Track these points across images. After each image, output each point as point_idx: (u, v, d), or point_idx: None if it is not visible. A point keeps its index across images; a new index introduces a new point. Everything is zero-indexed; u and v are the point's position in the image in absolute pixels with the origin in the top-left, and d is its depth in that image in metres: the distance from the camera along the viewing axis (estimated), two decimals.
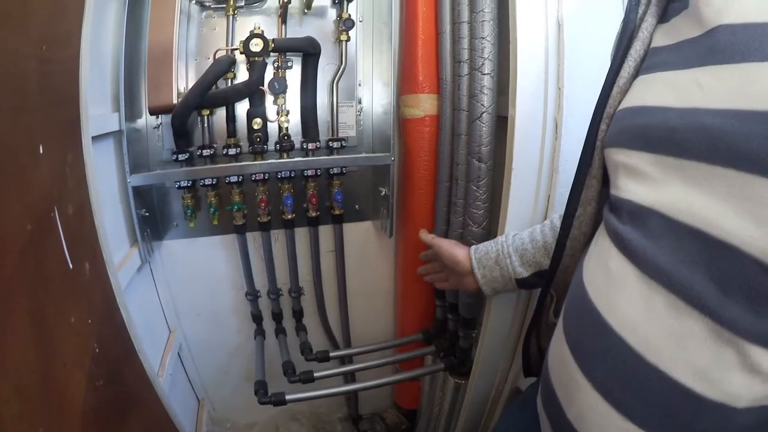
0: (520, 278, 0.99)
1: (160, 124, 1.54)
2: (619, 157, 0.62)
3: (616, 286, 0.56)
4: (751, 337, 0.44)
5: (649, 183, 0.55)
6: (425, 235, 1.22)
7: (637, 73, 0.68)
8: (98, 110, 1.26)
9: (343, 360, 1.80)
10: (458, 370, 1.57)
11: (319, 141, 1.54)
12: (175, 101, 1.42)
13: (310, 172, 1.56)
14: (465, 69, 1.33)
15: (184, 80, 1.53)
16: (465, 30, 1.33)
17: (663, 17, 0.68)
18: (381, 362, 1.66)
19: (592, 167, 0.73)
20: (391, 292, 1.89)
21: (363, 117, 1.65)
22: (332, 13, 1.59)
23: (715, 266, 0.46)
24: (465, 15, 1.33)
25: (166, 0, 1.42)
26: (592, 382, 0.56)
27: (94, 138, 1.12)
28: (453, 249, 1.14)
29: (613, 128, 0.67)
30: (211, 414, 1.96)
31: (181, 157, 1.47)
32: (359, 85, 1.64)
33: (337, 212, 1.64)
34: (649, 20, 0.68)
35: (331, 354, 1.67)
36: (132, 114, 1.44)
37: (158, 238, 1.61)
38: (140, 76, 1.46)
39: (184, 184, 1.52)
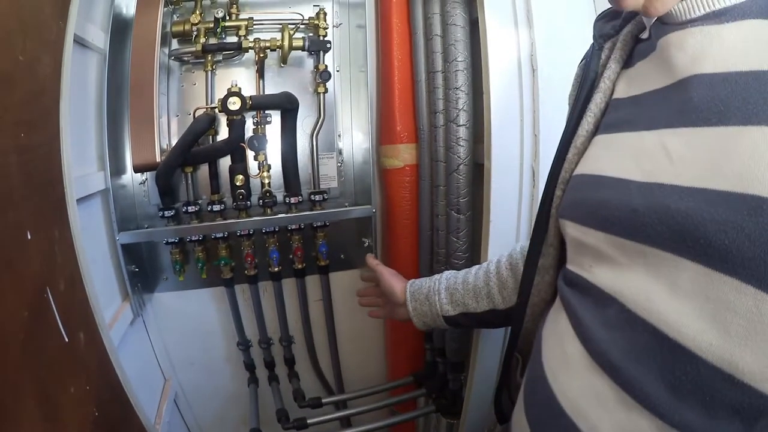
0: (446, 316, 0.98)
1: (146, 179, 1.56)
2: (574, 233, 0.59)
3: (570, 372, 0.54)
4: None
5: (611, 266, 0.52)
6: (371, 260, 1.21)
7: (596, 129, 0.63)
8: (83, 171, 1.28)
9: (337, 405, 1.80)
10: (450, 411, 1.57)
11: (301, 195, 1.55)
12: (158, 159, 1.43)
13: (294, 226, 1.57)
14: (441, 120, 1.35)
15: (166, 137, 1.56)
16: (440, 80, 1.35)
17: (628, 61, 0.63)
18: (374, 406, 1.66)
19: (548, 235, 0.69)
20: (380, 336, 1.87)
21: (344, 167, 1.66)
22: (310, 63, 1.61)
23: (668, 369, 0.43)
24: (439, 64, 1.35)
25: (145, 58, 1.43)
26: None
27: (80, 199, 1.14)
28: (392, 279, 1.12)
29: (568, 198, 0.63)
30: None
31: (167, 213, 1.49)
32: (339, 136, 1.65)
33: (322, 263, 1.65)
34: (613, 66, 0.63)
35: (324, 400, 1.67)
36: (117, 170, 1.46)
37: (149, 290, 1.63)
38: (123, 131, 1.49)
39: (171, 240, 1.54)
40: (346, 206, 1.62)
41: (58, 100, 1.06)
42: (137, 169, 1.47)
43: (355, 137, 1.66)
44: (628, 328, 0.48)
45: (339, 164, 1.65)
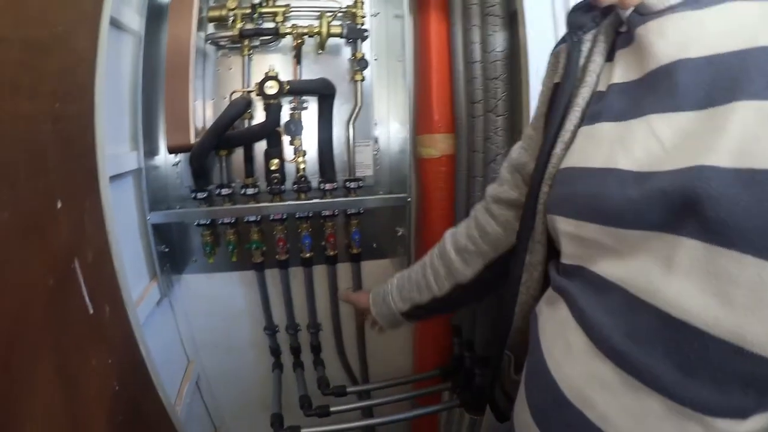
0: (402, 312, 1.01)
1: (179, 161, 1.57)
2: (569, 228, 0.58)
3: (574, 361, 0.54)
4: (714, 412, 0.42)
5: (612, 256, 0.51)
6: (342, 297, 1.24)
7: (581, 121, 0.62)
8: (116, 150, 1.29)
9: (361, 395, 1.80)
10: (474, 407, 1.57)
11: (336, 181, 1.55)
12: (192, 141, 1.43)
13: (327, 212, 1.57)
14: (479, 110, 1.35)
15: (201, 120, 1.57)
16: (478, 70, 1.35)
17: (610, 54, 0.63)
18: (398, 398, 1.66)
19: (535, 231, 0.68)
20: (409, 328, 1.87)
21: (380, 156, 1.66)
22: (347, 52, 1.61)
23: (674, 347, 0.44)
24: (477, 55, 1.34)
25: (181, 39, 1.44)
26: None
27: (113, 177, 1.15)
28: (359, 297, 1.14)
29: (556, 193, 0.62)
30: None
31: (200, 195, 1.50)
32: (375, 124, 1.65)
33: (354, 251, 1.64)
34: (597, 60, 0.63)
35: (348, 389, 1.67)
36: (151, 151, 1.47)
37: (178, 272, 1.64)
38: (158, 113, 1.50)
39: (203, 221, 1.55)
40: (380, 194, 1.61)
41: (94, 74, 1.07)
42: (171, 151, 1.47)
43: (391, 126, 1.66)
44: (630, 312, 0.48)
45: (375, 152, 1.65)
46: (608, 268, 0.52)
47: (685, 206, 0.42)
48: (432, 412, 1.69)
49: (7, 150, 0.69)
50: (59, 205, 0.83)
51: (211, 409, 1.87)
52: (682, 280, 0.43)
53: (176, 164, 1.58)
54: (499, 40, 1.29)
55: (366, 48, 1.59)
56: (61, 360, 0.77)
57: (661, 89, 0.50)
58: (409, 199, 1.52)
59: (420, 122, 1.55)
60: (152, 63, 1.45)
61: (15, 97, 0.73)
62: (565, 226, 0.59)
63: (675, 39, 0.50)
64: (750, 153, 0.39)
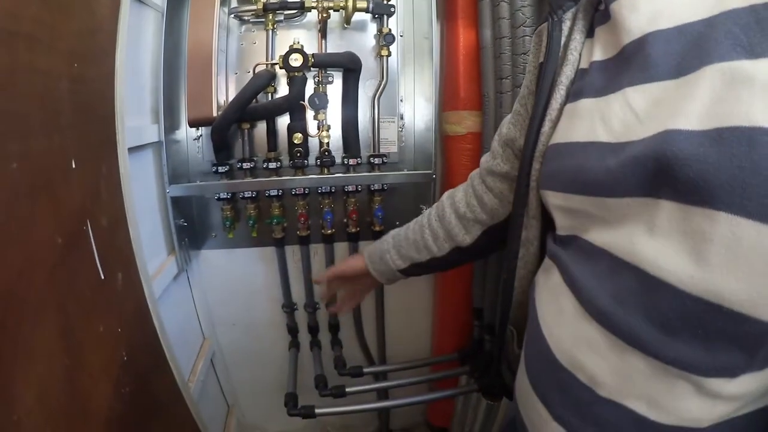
0: (400, 269, 1.02)
1: (201, 135, 1.56)
2: (559, 201, 0.60)
3: (564, 324, 0.56)
4: (703, 372, 0.43)
5: (600, 224, 0.53)
6: (321, 277, 1.19)
7: (567, 97, 0.64)
8: (136, 122, 1.29)
9: (377, 376, 1.79)
10: (492, 392, 1.55)
11: (360, 157, 1.53)
12: (214, 114, 1.42)
13: (350, 188, 1.55)
14: (507, 86, 1.33)
15: (223, 93, 1.55)
16: (506, 45, 1.33)
17: (590, 30, 0.64)
18: (415, 380, 1.64)
19: (529, 207, 0.70)
20: (429, 310, 1.86)
21: (405, 133, 1.64)
22: (372, 28, 1.58)
23: (654, 307, 0.45)
24: (506, 30, 1.32)
25: (204, 13, 1.43)
26: (552, 415, 0.57)
27: (132, 149, 1.15)
28: (350, 261, 1.15)
29: (546, 169, 0.64)
30: (240, 421, 1.98)
31: (221, 169, 1.49)
32: (401, 100, 1.62)
33: (377, 228, 1.62)
34: (577, 37, 0.64)
35: (365, 370, 1.67)
36: (172, 125, 1.47)
37: (196, 247, 1.63)
38: (180, 88, 1.49)
39: (223, 196, 1.53)
40: (405, 171, 1.59)
41: (115, 41, 1.06)
42: (192, 124, 1.47)
43: (417, 103, 1.63)
44: (615, 274, 0.49)
45: (400, 129, 1.63)
46: (597, 235, 0.54)
47: (658, 170, 0.43)
48: (448, 396, 1.68)
49: (19, 101, 0.68)
50: (73, 165, 0.82)
51: (224, 388, 1.88)
52: (661, 240, 0.44)
53: (197, 138, 1.57)
54: (528, 14, 1.27)
55: (392, 24, 1.56)
56: (65, 323, 0.75)
57: (635, 62, 0.51)
58: (434, 176, 1.50)
59: (446, 99, 1.53)
60: (175, 37, 1.45)
61: (31, 52, 0.72)
62: (554, 199, 0.61)
63: (646, 12, 0.51)
64: (716, 114, 0.40)
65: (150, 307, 1.13)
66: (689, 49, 0.45)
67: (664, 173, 0.43)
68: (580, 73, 0.63)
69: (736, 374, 0.43)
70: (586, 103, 0.58)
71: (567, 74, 0.64)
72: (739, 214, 0.38)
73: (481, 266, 1.50)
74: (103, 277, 0.89)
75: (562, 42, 0.65)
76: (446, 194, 0.99)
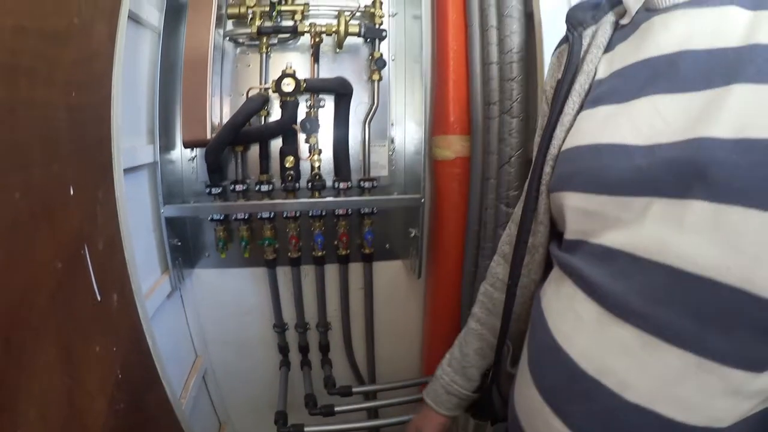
0: (476, 388, 0.93)
1: (195, 156, 1.59)
2: (577, 202, 0.61)
3: (586, 332, 0.56)
4: (732, 362, 0.45)
5: (616, 226, 0.54)
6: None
7: (581, 108, 0.66)
8: (132, 142, 1.31)
9: (367, 395, 1.80)
10: (480, 413, 1.55)
11: (351, 181, 1.55)
12: (209, 136, 1.44)
13: (341, 211, 1.57)
14: (495, 111, 1.34)
15: (218, 115, 1.58)
16: (494, 71, 1.35)
17: (608, 46, 0.67)
18: (404, 400, 1.65)
19: (538, 212, 0.71)
20: (418, 330, 1.87)
21: (395, 156, 1.66)
22: (365, 51, 1.61)
23: (690, 301, 0.47)
24: (494, 56, 1.34)
25: (200, 36, 1.45)
26: (571, 427, 0.56)
27: (128, 170, 1.17)
28: (419, 420, 1.03)
29: (562, 170, 0.65)
30: None
31: (214, 190, 1.51)
32: (392, 124, 1.65)
33: (367, 251, 1.65)
34: (594, 51, 0.67)
35: (354, 389, 1.67)
36: (167, 145, 1.49)
37: (190, 266, 1.65)
38: (175, 107, 1.51)
39: (217, 217, 1.56)
40: (395, 195, 1.61)
41: (111, 67, 1.08)
42: (187, 145, 1.49)
43: (407, 127, 1.66)
44: (641, 274, 0.51)
45: (390, 153, 1.65)
46: (612, 237, 0.55)
47: (692, 172, 0.47)
48: None
49: (21, 133, 0.70)
50: (71, 191, 0.84)
51: (216, 405, 1.88)
52: (693, 236, 0.47)
53: (192, 159, 1.59)
54: (516, 41, 1.29)
55: (384, 48, 1.59)
56: (64, 344, 0.77)
57: (664, 74, 0.54)
58: (422, 201, 1.52)
59: (436, 123, 1.55)
60: (170, 58, 1.47)
61: (31, 84, 0.74)
62: (572, 201, 0.61)
63: (678, 32, 0.55)
64: (746, 125, 0.45)
65: (143, 326, 1.14)
66: (718, 68, 0.50)
67: (698, 175, 0.46)
68: (596, 84, 0.66)
69: (764, 368, 0.45)
70: (607, 109, 0.60)
71: (581, 83, 0.67)
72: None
73: (468, 287, 1.51)
74: (99, 299, 0.90)
75: (581, 56, 0.69)
76: (481, 289, 0.92)
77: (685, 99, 0.51)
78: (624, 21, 0.66)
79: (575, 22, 0.72)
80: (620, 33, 0.66)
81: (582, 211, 0.60)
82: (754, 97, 0.46)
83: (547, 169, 0.68)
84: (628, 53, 0.61)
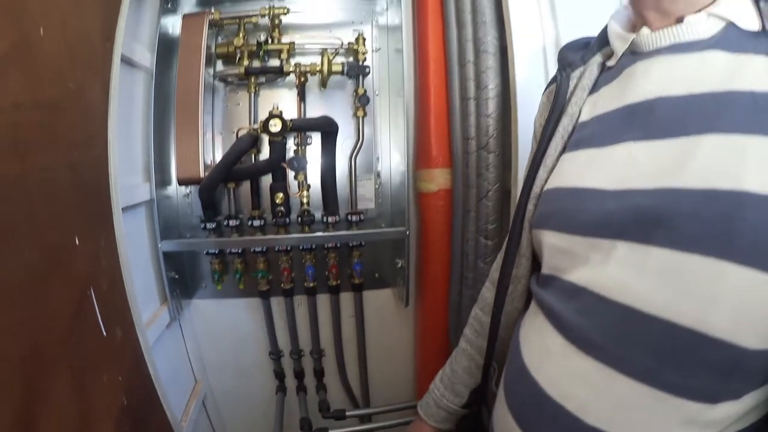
0: (464, 404, 0.96)
1: (190, 192, 1.65)
2: (552, 240, 0.64)
3: (553, 361, 0.60)
4: (686, 395, 0.48)
5: (585, 264, 0.58)
6: None
7: (564, 149, 0.69)
8: (129, 181, 1.37)
9: (362, 418, 1.83)
10: None
11: (339, 215, 1.60)
12: (202, 174, 1.51)
13: (330, 244, 1.63)
14: (473, 146, 1.39)
15: (210, 153, 1.64)
16: (472, 107, 1.39)
17: (593, 88, 0.69)
18: (397, 422, 1.68)
19: (521, 246, 0.73)
20: (410, 354, 1.92)
21: (381, 189, 1.71)
22: (350, 86, 1.67)
23: (648, 339, 0.50)
24: (471, 91, 1.39)
25: (190, 79, 1.51)
26: None
27: (126, 208, 1.23)
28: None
29: (542, 209, 0.68)
30: None
31: (209, 225, 1.58)
32: (377, 158, 1.70)
33: (356, 281, 1.69)
34: (579, 93, 0.69)
35: (348, 413, 1.71)
36: (163, 181, 1.55)
37: (188, 297, 1.71)
38: (169, 144, 1.58)
39: (212, 250, 1.62)
40: (382, 227, 1.66)
41: (107, 119, 1.15)
42: (181, 183, 1.55)
43: (393, 160, 1.71)
44: (604, 312, 0.54)
45: (377, 186, 1.70)
46: (580, 275, 0.58)
47: (655, 220, 0.50)
48: None
49: (30, 198, 0.80)
50: (77, 242, 0.94)
51: (216, 428, 1.92)
52: (653, 280, 0.50)
53: (187, 195, 1.66)
54: (491, 77, 1.33)
55: (368, 82, 1.65)
56: (77, 375, 0.88)
57: (641, 120, 0.57)
58: (407, 233, 1.57)
59: (419, 157, 1.60)
60: (163, 95, 1.53)
61: (34, 153, 0.82)
62: (548, 238, 0.65)
63: (658, 78, 0.57)
64: (712, 176, 0.47)
65: (145, 356, 1.22)
66: (693, 115, 0.51)
67: (660, 223, 0.49)
68: (579, 126, 0.68)
69: (717, 400, 0.48)
70: (587, 153, 0.63)
71: (564, 125, 0.69)
72: (724, 258, 0.45)
73: (455, 314, 1.55)
74: (105, 334, 1.01)
75: (567, 98, 0.71)
76: (473, 312, 0.97)
77: (659, 146, 0.53)
78: (610, 63, 0.68)
79: (565, 63, 0.75)
80: (606, 74, 0.68)
81: (556, 249, 0.63)
82: (724, 147, 0.48)
83: (530, 206, 0.70)
84: (611, 98, 0.63)
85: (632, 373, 0.51)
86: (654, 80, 0.57)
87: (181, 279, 1.63)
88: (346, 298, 1.77)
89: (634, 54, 0.62)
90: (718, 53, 0.54)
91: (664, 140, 0.53)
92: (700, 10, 0.56)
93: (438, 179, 1.52)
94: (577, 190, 0.61)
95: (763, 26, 0.53)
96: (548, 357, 0.61)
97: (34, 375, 0.76)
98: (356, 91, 1.62)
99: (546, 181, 0.69)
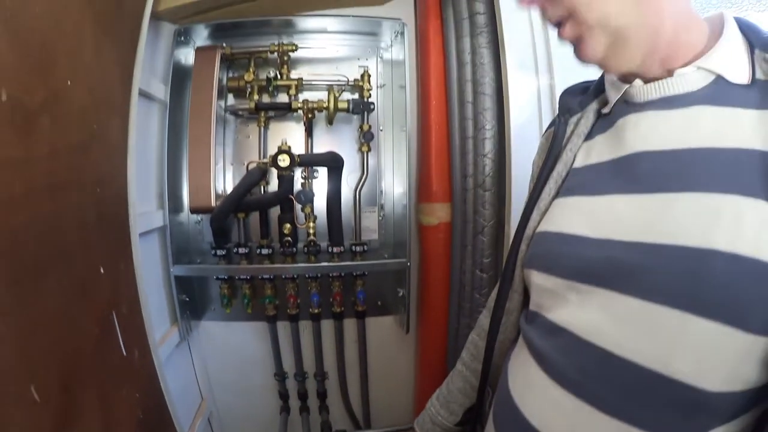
0: (458, 422, 1.00)
1: (201, 219, 1.74)
2: (538, 279, 0.67)
3: (535, 392, 0.63)
4: (653, 429, 0.51)
5: (564, 305, 0.61)
6: None
7: (557, 193, 0.71)
8: (144, 208, 1.46)
9: None
10: None
11: (344, 245, 1.67)
12: (213, 204, 1.58)
13: (335, 273, 1.70)
14: (470, 183, 1.46)
15: (221, 183, 1.73)
16: (470, 145, 1.46)
17: (588, 134, 0.71)
18: None
19: (514, 282, 0.76)
20: (411, 378, 1.98)
21: (385, 221, 1.78)
22: (356, 121, 1.75)
23: (617, 378, 0.53)
24: (470, 131, 1.46)
25: (203, 111, 1.59)
26: None
27: (141, 234, 1.32)
28: None
29: (533, 251, 0.71)
30: None
31: (219, 252, 1.65)
32: (381, 192, 1.78)
33: (360, 308, 1.76)
34: (575, 140, 0.72)
35: None
36: (175, 207, 1.63)
37: (197, 318, 1.78)
38: (182, 172, 1.66)
39: (221, 276, 1.69)
40: (385, 257, 1.72)
41: (126, 155, 1.25)
42: (193, 211, 1.63)
43: (396, 193, 1.77)
44: (580, 351, 0.58)
45: (380, 218, 1.77)
46: (560, 315, 0.62)
47: (628, 271, 0.53)
48: None
49: (63, 235, 0.90)
50: (102, 270, 1.05)
51: None
52: (624, 326, 0.53)
53: (199, 222, 1.74)
54: (488, 118, 1.40)
55: (373, 118, 1.73)
56: (101, 391, 0.99)
57: (626, 174, 0.59)
58: (408, 264, 1.63)
59: (421, 191, 1.67)
60: (176, 124, 1.62)
61: (67, 195, 0.93)
62: (535, 278, 0.68)
63: (645, 133, 0.59)
64: (685, 234, 0.50)
65: (158, 375, 1.32)
66: (674, 173, 0.54)
67: (632, 275, 0.53)
68: (573, 172, 0.70)
69: None
70: (576, 200, 0.66)
71: (559, 171, 0.71)
72: (689, 311, 0.48)
73: (453, 341, 1.62)
74: (125, 353, 1.12)
75: (563, 143, 0.73)
76: (470, 337, 1.01)
77: (640, 200, 0.56)
78: (605, 110, 0.69)
79: (563, 108, 0.76)
80: (602, 122, 0.69)
81: (542, 288, 0.67)
82: (700, 205, 0.50)
83: (523, 246, 0.73)
84: (604, 148, 0.66)
85: (605, 409, 0.54)
86: (641, 134, 0.59)
87: (191, 301, 1.71)
88: (350, 324, 1.83)
89: (627, 104, 0.64)
90: (705, 108, 0.55)
91: (644, 195, 0.56)
92: (687, 64, 0.58)
93: (438, 213, 1.59)
94: (564, 235, 0.65)
95: (754, 78, 0.55)
96: (531, 389, 0.65)
97: (68, 388, 0.87)
98: (361, 126, 1.69)
99: (538, 224, 0.72)
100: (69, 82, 0.95)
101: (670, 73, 0.59)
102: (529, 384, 0.65)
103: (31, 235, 0.81)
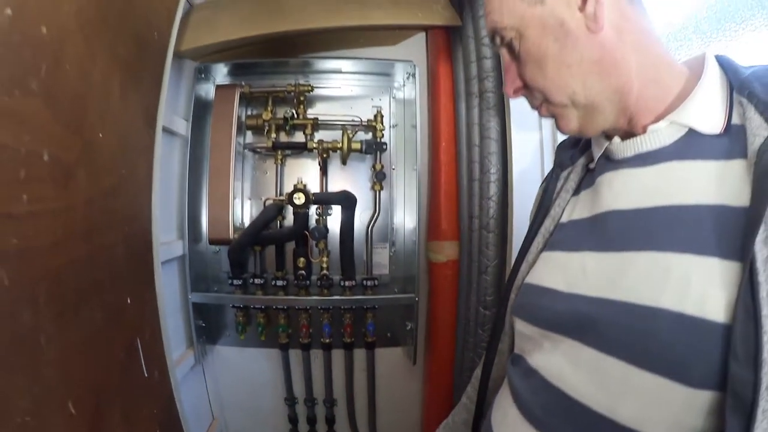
0: None
1: (219, 249, 1.82)
2: (520, 326, 0.74)
3: (509, 427, 0.69)
4: None
5: (538, 350, 0.67)
6: None
7: (544, 246, 0.76)
8: (165, 238, 1.56)
9: None
10: None
11: (355, 280, 1.74)
12: (231, 236, 1.67)
13: (346, 306, 1.76)
14: (476, 224, 1.53)
15: (240, 216, 1.81)
16: (476, 188, 1.53)
17: (576, 189, 0.76)
18: None
19: (505, 326, 0.82)
20: (417, 408, 2.01)
21: (395, 257, 1.85)
22: (369, 160, 1.82)
23: (574, 419, 0.58)
24: (476, 173, 1.53)
25: (222, 146, 1.68)
26: None
27: (162, 263, 1.39)
28: None
29: (518, 300, 0.76)
30: None
31: (236, 281, 1.73)
32: (392, 229, 1.84)
33: (369, 340, 1.82)
34: (563, 195, 0.76)
35: None
36: (194, 237, 1.72)
37: (212, 342, 1.86)
38: (201, 205, 1.75)
39: (237, 304, 1.77)
40: (395, 292, 1.79)
41: (151, 193, 1.34)
42: (212, 243, 1.71)
43: (407, 230, 1.84)
44: (547, 392, 0.63)
45: (391, 254, 1.84)
46: (535, 359, 0.67)
47: (589, 325, 0.58)
48: None
49: (96, 272, 1.01)
50: (128, 301, 1.15)
51: None
52: (581, 373, 0.58)
53: (217, 252, 1.82)
54: (494, 162, 1.47)
55: (386, 157, 1.80)
56: (126, 409, 1.10)
57: (597, 232, 0.64)
58: (416, 299, 1.70)
59: (431, 229, 1.74)
60: (197, 157, 1.71)
61: (100, 236, 1.03)
62: (518, 324, 0.75)
63: (617, 191, 0.63)
64: (637, 291, 0.54)
65: (175, 395, 1.40)
66: (637, 232, 0.57)
67: (592, 328, 0.57)
68: (559, 227, 0.74)
69: None
70: (556, 255, 0.71)
71: (547, 226, 0.76)
72: (634, 364, 0.52)
73: (458, 375, 1.68)
74: (146, 375, 1.21)
75: (553, 197, 0.78)
76: (475, 372, 1.03)
77: (605, 258, 0.60)
78: (592, 166, 0.73)
79: (557, 162, 0.81)
80: (588, 178, 0.73)
81: (523, 335, 0.73)
82: (654, 264, 0.54)
83: (512, 295, 0.79)
84: (585, 204, 0.70)
85: None
86: (614, 193, 0.63)
87: (206, 327, 1.79)
88: (359, 354, 1.89)
89: (608, 160, 0.68)
90: (675, 164, 0.58)
91: (610, 253, 0.60)
92: (660, 117, 0.61)
93: (447, 251, 1.66)
94: (543, 288, 0.70)
95: (729, 123, 0.56)
96: (506, 423, 0.70)
97: (98, 405, 0.98)
98: (374, 166, 1.77)
99: (527, 275, 0.76)
100: (101, 135, 1.04)
101: (644, 129, 0.62)
102: (505, 419, 0.71)
103: (71, 274, 0.91)
